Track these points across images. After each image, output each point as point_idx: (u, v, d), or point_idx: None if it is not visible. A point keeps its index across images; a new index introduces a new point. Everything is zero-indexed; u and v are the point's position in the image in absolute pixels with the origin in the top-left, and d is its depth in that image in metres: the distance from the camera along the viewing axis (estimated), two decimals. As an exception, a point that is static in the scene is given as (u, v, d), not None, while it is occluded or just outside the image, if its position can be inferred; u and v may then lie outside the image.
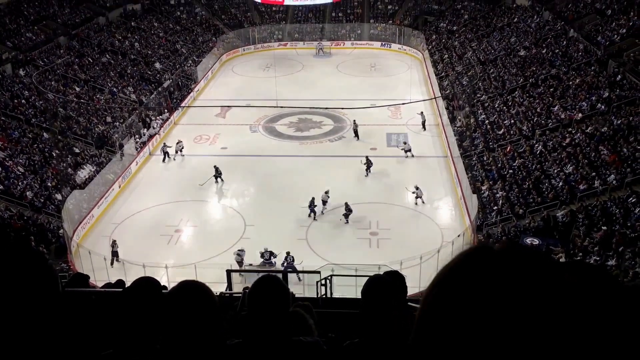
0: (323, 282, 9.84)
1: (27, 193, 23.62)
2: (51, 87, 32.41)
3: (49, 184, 24.61)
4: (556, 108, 26.87)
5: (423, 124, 31.18)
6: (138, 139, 29.88)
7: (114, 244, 20.78)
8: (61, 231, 21.70)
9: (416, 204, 23.86)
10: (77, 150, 27.54)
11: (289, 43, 49.26)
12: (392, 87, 38.38)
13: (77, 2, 43.54)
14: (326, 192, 23.52)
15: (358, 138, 30.29)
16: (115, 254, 20.52)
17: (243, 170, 27.72)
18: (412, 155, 28.10)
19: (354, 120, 30.87)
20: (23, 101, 29.85)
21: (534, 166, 23.71)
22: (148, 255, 20.48)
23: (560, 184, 21.89)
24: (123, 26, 44.11)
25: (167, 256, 21.04)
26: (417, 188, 23.75)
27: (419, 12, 49.79)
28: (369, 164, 26.36)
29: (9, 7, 38.30)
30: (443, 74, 38.27)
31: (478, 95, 32.65)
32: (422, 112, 31.55)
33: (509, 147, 25.92)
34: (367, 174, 26.33)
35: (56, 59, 35.50)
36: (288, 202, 24.67)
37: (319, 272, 11.01)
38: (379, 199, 24.59)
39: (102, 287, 6.16)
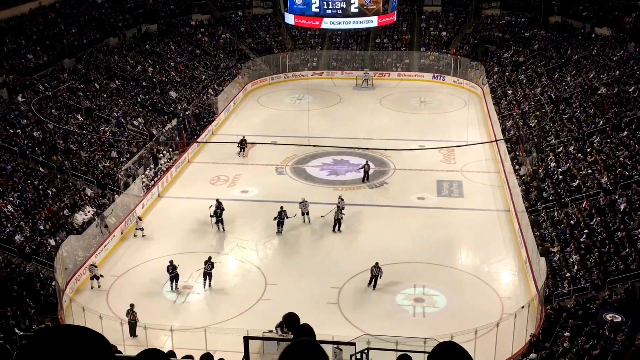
0: (358, 355, 9.76)
1: (17, 237, 24.20)
2: (51, 115, 33.57)
3: (42, 227, 25.18)
4: (643, 157, 26.50)
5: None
6: (145, 179, 30.51)
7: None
8: (53, 283, 22.06)
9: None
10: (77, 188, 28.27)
11: (324, 72, 50.22)
12: (445, 126, 38.57)
13: (86, 21, 45.44)
14: (302, 202, 26.92)
15: (368, 180, 31.24)
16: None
17: (266, 219, 27.87)
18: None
19: (367, 161, 31.72)
20: (19, 131, 30.92)
21: (615, 226, 23.26)
22: (151, 314, 20.59)
23: (649, 248, 21.37)
24: (136, 49, 45.73)
25: (173, 317, 21.13)
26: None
27: (479, 40, 50.32)
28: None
29: (9, 24, 40.19)
30: (506, 112, 38.30)
31: (548, 139, 32.49)
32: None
33: (585, 202, 25.55)
34: None
35: (59, 84, 36.88)
36: (317, 259, 24.68)
37: (353, 344, 10.93)
38: (426, 259, 24.40)
39: None
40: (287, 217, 26.59)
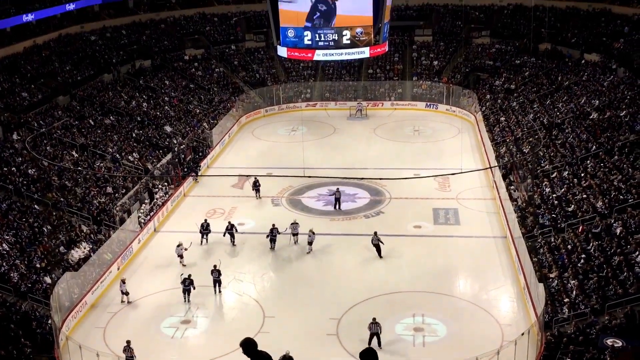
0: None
1: (12, 275, 24.06)
2: (46, 152, 33.63)
3: (38, 265, 25.07)
4: (637, 180, 26.64)
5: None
6: (141, 214, 30.48)
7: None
8: (49, 321, 21.88)
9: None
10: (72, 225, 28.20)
11: (318, 103, 50.61)
12: (439, 154, 38.77)
13: (80, 58, 45.80)
14: (293, 223, 28.11)
15: (339, 208, 31.54)
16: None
17: (262, 250, 27.85)
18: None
19: (337, 188, 32.13)
20: (14, 169, 30.95)
21: (612, 250, 23.28)
22: (148, 350, 20.45)
23: (646, 272, 21.36)
24: (130, 84, 46.03)
25: (171, 352, 20.95)
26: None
27: (470, 68, 50.89)
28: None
29: (4, 63, 40.49)
30: (500, 139, 38.56)
31: (542, 164, 32.66)
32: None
33: (581, 227, 25.60)
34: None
35: (54, 121, 37.02)
36: (315, 290, 24.59)
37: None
38: (424, 287, 24.33)
39: None
40: (279, 233, 27.82)
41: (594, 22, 47.22)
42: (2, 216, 27.24)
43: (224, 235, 28.18)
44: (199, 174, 36.41)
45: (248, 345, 6.04)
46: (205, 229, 28.54)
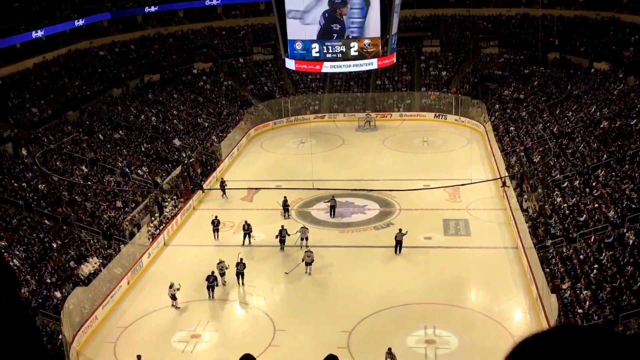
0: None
1: (23, 290, 24.15)
2: (56, 168, 33.83)
3: (48, 280, 25.15)
4: (649, 189, 26.50)
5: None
6: (151, 228, 30.57)
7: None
8: (60, 336, 21.92)
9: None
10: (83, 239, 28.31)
11: (327, 115, 50.68)
12: (448, 165, 38.69)
13: (90, 73, 46.16)
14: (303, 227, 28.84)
15: (334, 216, 32.00)
16: (173, 297, 24.21)
17: (272, 264, 27.82)
18: None
19: (333, 196, 32.36)
20: (24, 184, 31.14)
21: (625, 260, 23.12)
22: (159, 365, 20.43)
23: (660, 281, 21.19)
24: (139, 99, 46.30)
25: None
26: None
27: (479, 78, 50.85)
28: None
29: (13, 79, 40.84)
30: (509, 149, 38.46)
31: (553, 174, 32.54)
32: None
33: (593, 237, 25.46)
34: None
35: (63, 137, 37.26)
36: (325, 302, 24.53)
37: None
38: (435, 299, 24.21)
39: None
40: (288, 235, 28.42)
41: (603, 31, 47.14)
42: (12, 232, 27.39)
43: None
44: (208, 188, 36.50)
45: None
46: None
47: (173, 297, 24.46)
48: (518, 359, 1.05)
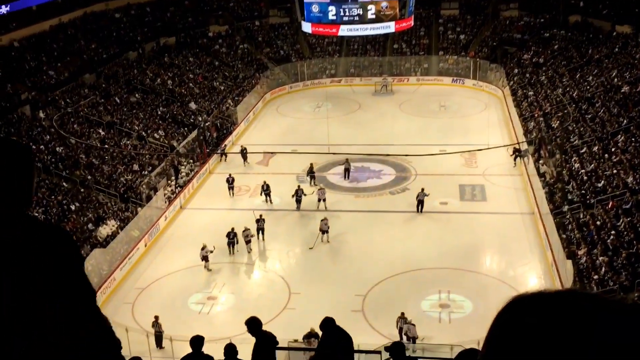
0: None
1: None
2: (73, 130, 34.04)
3: (67, 242, 25.48)
4: (669, 155, 26.20)
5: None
6: (167, 191, 30.79)
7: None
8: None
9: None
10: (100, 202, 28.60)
11: (343, 79, 50.32)
12: (465, 130, 38.40)
13: (106, 36, 46.05)
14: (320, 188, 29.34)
15: (348, 178, 32.14)
16: (205, 258, 24.35)
17: (287, 228, 27.99)
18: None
19: (347, 159, 32.27)
20: (42, 147, 31.40)
21: (643, 226, 22.98)
22: (176, 326, 20.71)
23: (678, 248, 21.08)
24: (155, 62, 46.20)
25: (198, 328, 21.14)
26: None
27: (498, 42, 50.09)
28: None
29: (30, 42, 40.86)
30: (528, 114, 38.07)
31: (571, 140, 32.22)
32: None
33: (611, 203, 25.29)
34: None
35: (80, 99, 37.39)
36: (340, 267, 24.70)
37: (379, 353, 10.92)
38: (450, 264, 24.28)
39: None
40: (305, 195, 28.74)
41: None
42: (31, 194, 27.69)
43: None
44: (225, 152, 36.57)
45: (252, 324, 6.08)
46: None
47: (205, 259, 24.56)
48: (520, 319, 1.01)
